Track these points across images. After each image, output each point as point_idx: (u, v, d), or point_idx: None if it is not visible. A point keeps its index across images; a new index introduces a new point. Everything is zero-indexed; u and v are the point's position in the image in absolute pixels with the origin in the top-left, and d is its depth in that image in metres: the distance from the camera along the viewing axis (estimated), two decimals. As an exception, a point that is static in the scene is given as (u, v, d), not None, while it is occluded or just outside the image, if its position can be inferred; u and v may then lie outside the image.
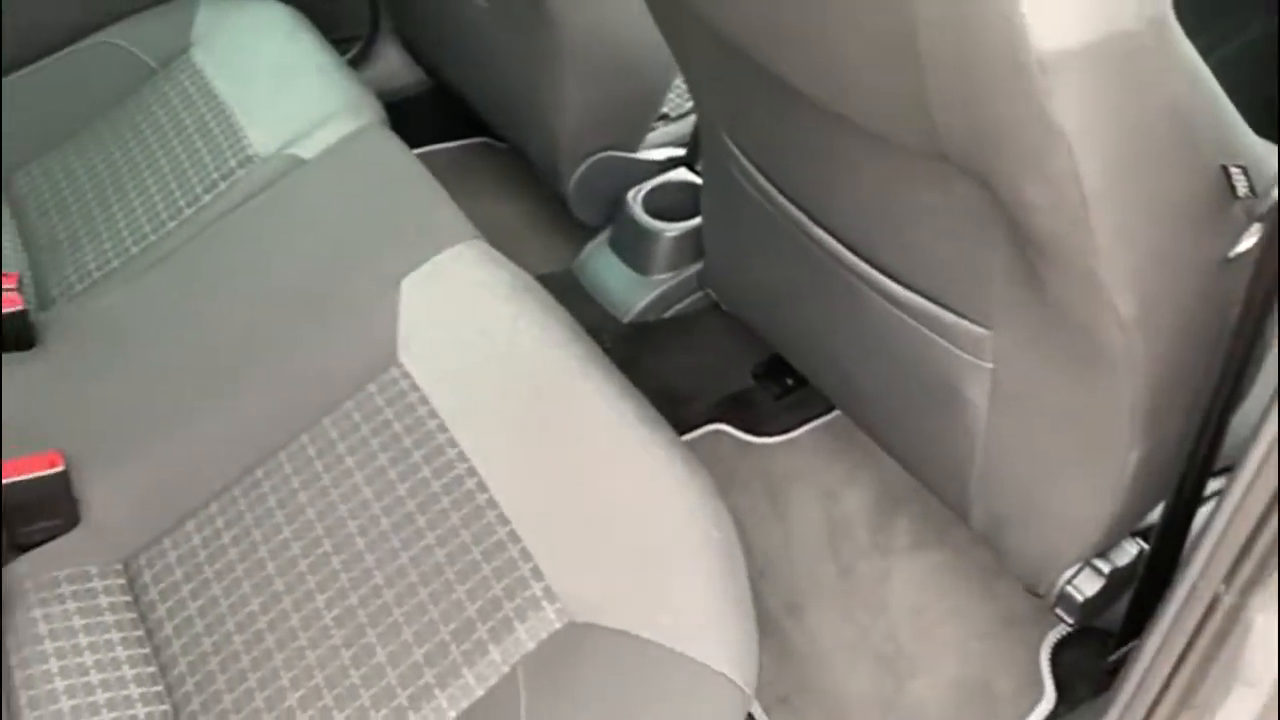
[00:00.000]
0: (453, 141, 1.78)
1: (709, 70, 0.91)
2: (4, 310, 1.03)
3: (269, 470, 0.90)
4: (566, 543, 0.78)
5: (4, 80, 1.42)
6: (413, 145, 1.24)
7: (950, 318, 0.82)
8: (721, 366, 1.32)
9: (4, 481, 0.86)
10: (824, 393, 1.13)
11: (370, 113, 1.21)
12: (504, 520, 0.80)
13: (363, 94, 1.24)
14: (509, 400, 0.88)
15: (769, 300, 1.10)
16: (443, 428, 0.87)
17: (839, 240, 0.86)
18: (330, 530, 0.84)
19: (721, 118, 0.96)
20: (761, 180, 0.93)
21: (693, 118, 1.43)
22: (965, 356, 0.83)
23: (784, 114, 0.79)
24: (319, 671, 0.76)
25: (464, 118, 1.67)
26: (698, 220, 1.28)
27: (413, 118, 1.38)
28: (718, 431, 1.30)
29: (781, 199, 0.91)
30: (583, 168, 1.32)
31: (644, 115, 1.33)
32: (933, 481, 1.01)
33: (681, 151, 1.39)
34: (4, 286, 1.05)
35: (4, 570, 0.84)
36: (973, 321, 0.80)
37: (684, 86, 1.52)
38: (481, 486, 0.83)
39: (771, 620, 1.07)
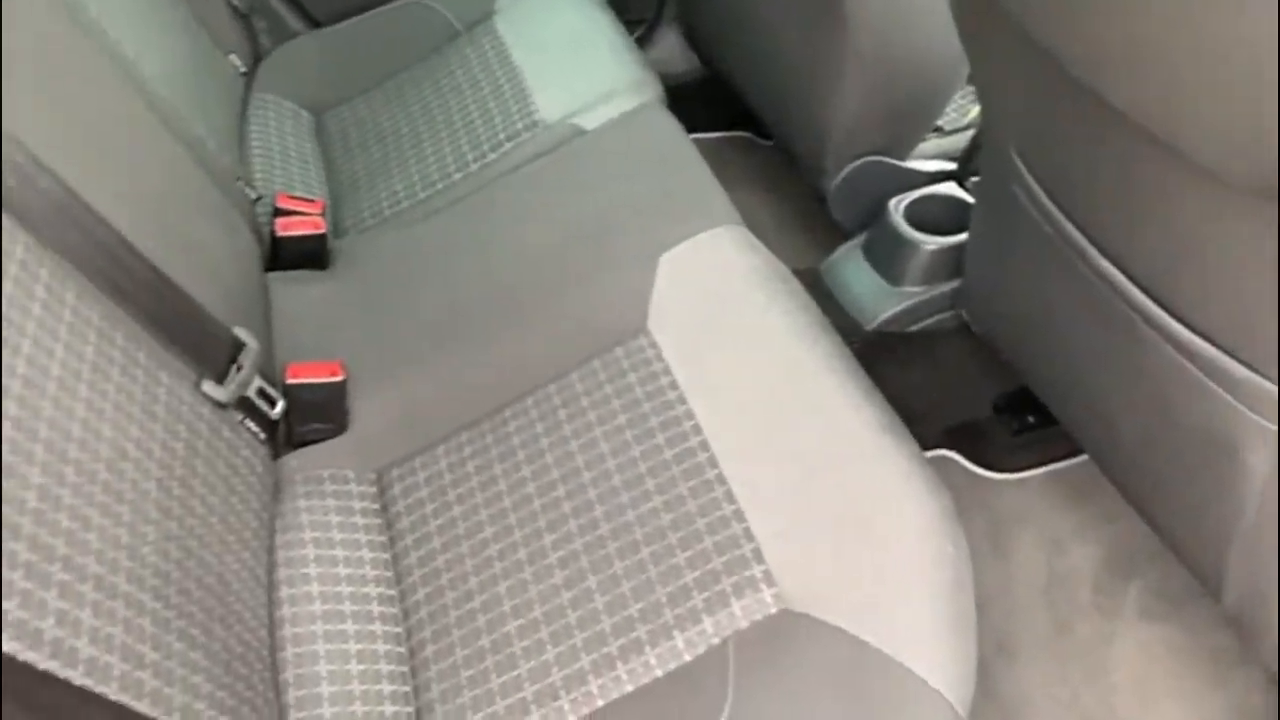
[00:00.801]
0: (715, 132, 1.82)
1: (1008, 81, 0.88)
2: (310, 232, 1.14)
3: (516, 412, 0.95)
4: (792, 531, 0.78)
5: (329, 29, 1.58)
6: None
7: (1240, 371, 0.75)
8: (961, 391, 1.27)
9: (290, 382, 0.96)
10: (1072, 435, 1.07)
11: (652, 92, 1.25)
12: (731, 498, 0.81)
13: (647, 74, 1.29)
14: (750, 384, 0.89)
15: (1028, 329, 1.05)
16: (682, 399, 0.89)
17: (1126, 274, 0.81)
18: (565, 477, 0.88)
19: (1012, 132, 0.92)
20: (1047, 203, 0.89)
21: (968, 133, 1.39)
22: (1251, 415, 0.76)
23: (1091, 135, 0.75)
24: (539, 606, 0.80)
25: (730, 110, 1.70)
26: (960, 237, 1.24)
27: (681, 105, 1.41)
28: (945, 458, 1.26)
29: (1067, 225, 0.87)
30: (848, 169, 1.31)
31: (921, 123, 1.31)
32: (1183, 545, 0.93)
33: (952, 166, 1.35)
34: (313, 212, 1.17)
35: (279, 461, 0.94)
36: (1266, 377, 0.74)
37: (963, 100, 1.48)
38: (713, 462, 0.84)
39: (980, 658, 1.03)
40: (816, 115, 1.30)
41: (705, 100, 1.74)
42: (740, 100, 1.60)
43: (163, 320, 0.81)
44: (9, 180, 0.70)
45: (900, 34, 1.14)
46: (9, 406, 0.61)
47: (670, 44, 1.79)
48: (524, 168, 1.20)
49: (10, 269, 0.67)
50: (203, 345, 0.85)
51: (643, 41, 1.78)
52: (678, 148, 1.14)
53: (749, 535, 0.78)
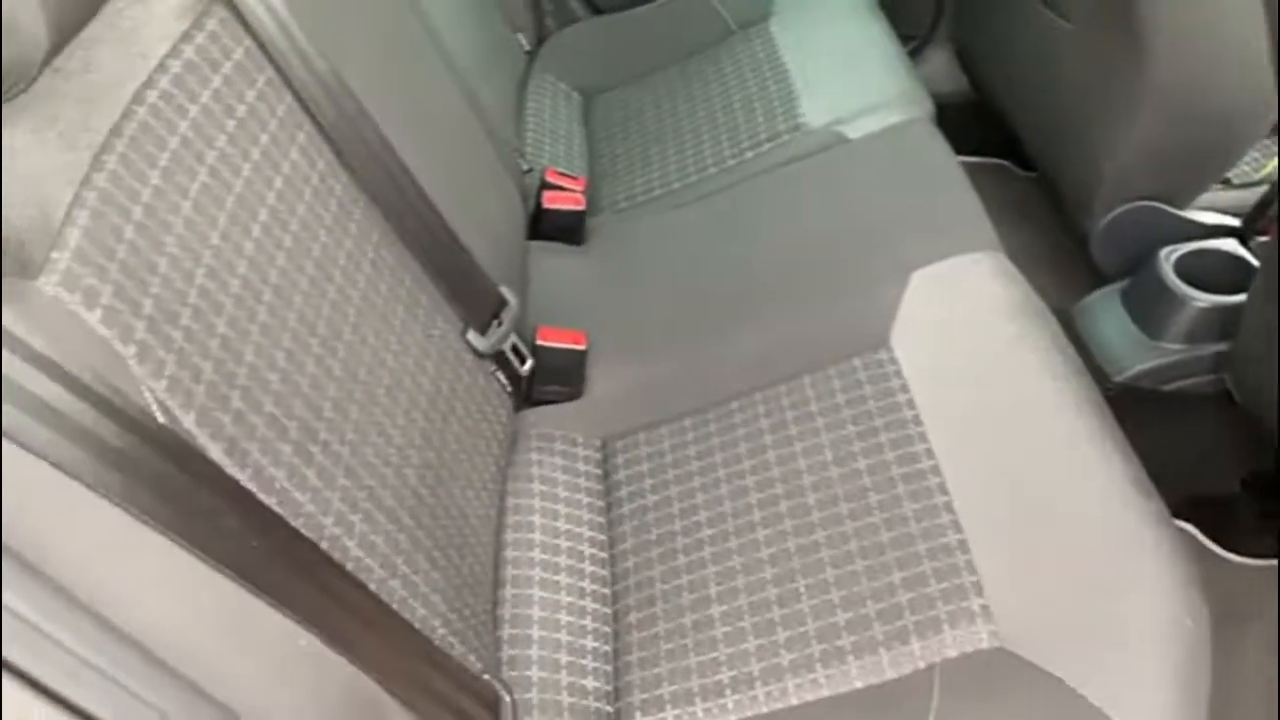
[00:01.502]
0: (975, 157, 1.77)
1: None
2: (572, 208, 1.20)
3: (743, 405, 0.97)
4: (1018, 571, 0.76)
5: (609, 17, 1.65)
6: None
7: None
8: (1209, 460, 1.19)
9: (540, 344, 1.02)
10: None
11: (922, 109, 1.24)
12: (957, 527, 0.80)
13: (918, 89, 1.27)
14: (992, 417, 0.87)
15: (1305, 407, 0.97)
16: (917, 420, 0.88)
17: None
18: (785, 476, 0.89)
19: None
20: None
21: (1260, 189, 1.29)
22: None
23: None
24: (744, 595, 0.82)
25: (993, 137, 1.65)
26: (1236, 298, 1.15)
27: (943, 125, 1.39)
28: (1180, 528, 1.18)
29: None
30: (1118, 211, 1.25)
31: (1210, 172, 1.22)
32: None
33: (1235, 221, 1.26)
34: (576, 189, 1.23)
35: (518, 415, 1.00)
36: None
37: (1259, 153, 1.37)
38: (942, 489, 0.83)
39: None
40: (1093, 150, 1.24)
41: (968, 123, 1.69)
42: (1004, 127, 1.55)
43: (444, 270, 0.88)
44: (334, 117, 0.77)
45: (1206, 73, 1.07)
46: (319, 326, 0.69)
47: (940, 62, 1.75)
48: (784, 168, 1.22)
49: (331, 205, 0.75)
50: (472, 297, 0.91)
51: (913, 57, 1.75)
52: (944, 167, 1.12)
53: (971, 567, 0.77)
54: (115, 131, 0.56)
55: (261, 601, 0.46)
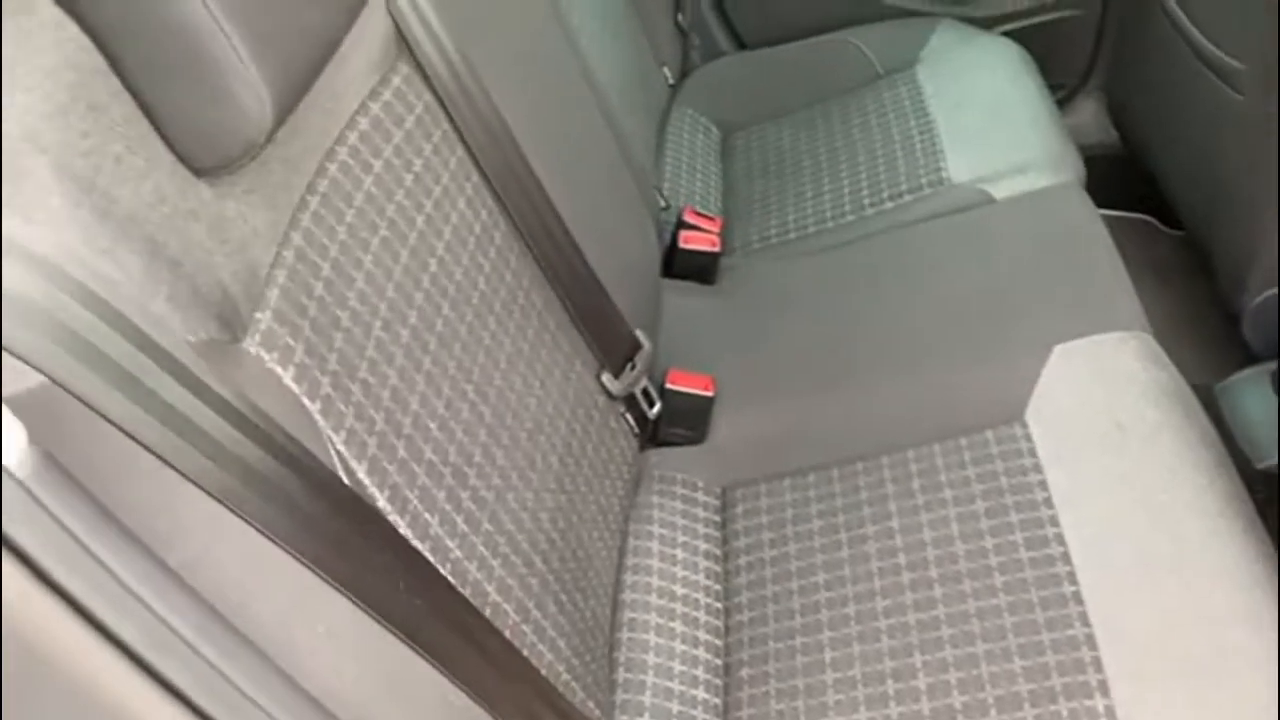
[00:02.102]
0: (1118, 210, 1.72)
1: None
2: (707, 249, 1.22)
3: (869, 468, 0.97)
4: (1147, 674, 0.74)
5: (755, 53, 1.67)
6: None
7: None
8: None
9: (669, 387, 1.04)
10: None
11: (1071, 172, 1.21)
12: (1085, 620, 0.78)
13: (1069, 151, 1.24)
14: (1129, 508, 0.85)
15: None
16: (1049, 503, 0.87)
17: None
18: (909, 547, 0.89)
19: None
20: None
21: None
22: None
23: None
24: (859, 665, 0.82)
25: (1138, 190, 1.59)
26: (1403, 394, 1.09)
27: (1088, 176, 1.35)
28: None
29: None
30: (1275, 292, 1.19)
31: (1383, 260, 1.16)
32: None
33: (1404, 312, 1.19)
34: (712, 230, 1.24)
35: (641, 454, 1.02)
36: None
37: None
38: (1072, 578, 0.81)
39: None
40: (1254, 220, 1.19)
41: (1114, 175, 1.64)
42: (1153, 182, 1.50)
43: (585, 313, 0.90)
44: (499, 166, 0.80)
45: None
46: (475, 372, 0.72)
47: (1089, 113, 1.71)
48: (922, 224, 1.21)
49: (490, 252, 0.78)
50: (610, 341, 0.94)
51: (1061, 105, 1.71)
52: (1091, 237, 1.09)
53: (1098, 664, 0.75)
54: (310, 189, 0.60)
55: (422, 660, 0.49)
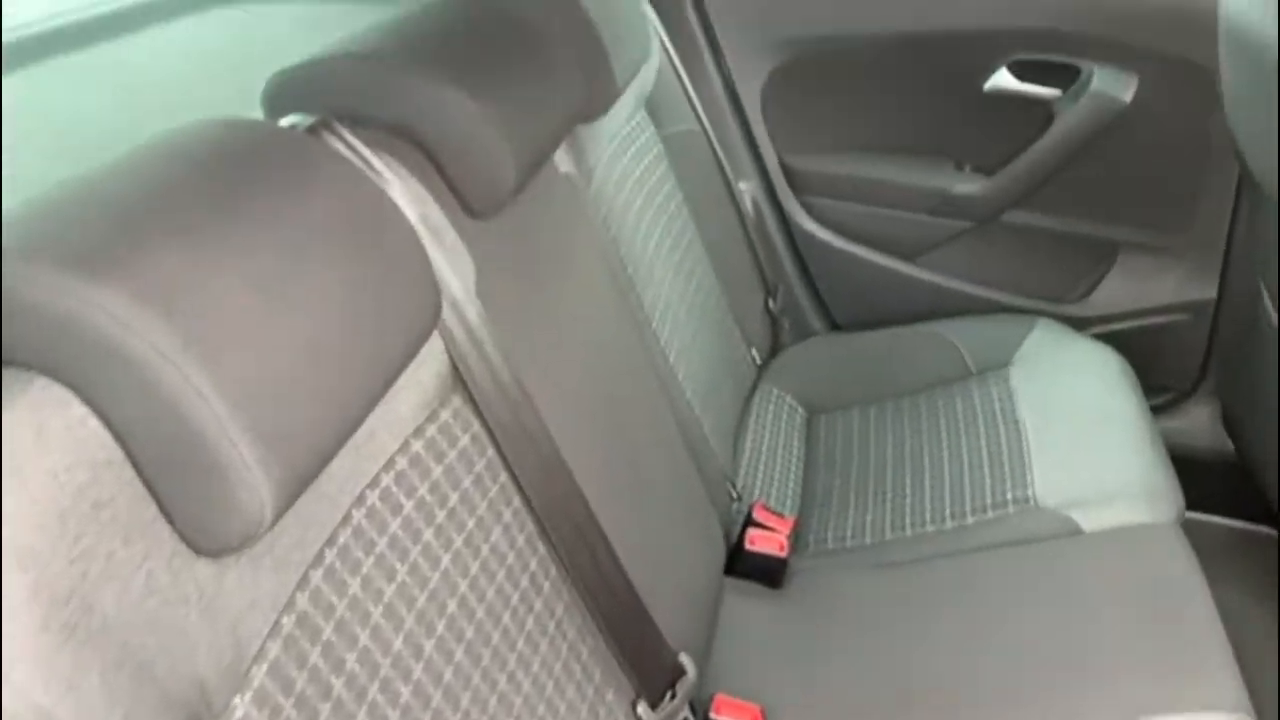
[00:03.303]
0: (1234, 520, 1.60)
1: None
2: (775, 553, 1.18)
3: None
4: None
5: (846, 335, 1.68)
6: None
7: None
8: None
9: (714, 717, 0.97)
10: None
11: (1170, 509, 1.13)
12: None
13: (1169, 486, 1.17)
14: None
15: None
16: None
17: None
18: None
19: None
20: None
21: None
22: None
23: None
24: None
25: (1258, 500, 1.49)
26: None
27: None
28: None
29: None
30: None
31: None
32: None
33: None
34: (782, 532, 1.21)
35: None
36: None
37: None
38: None
39: None
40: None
41: (1227, 480, 1.54)
42: (1269, 494, 1.39)
43: (624, 639, 0.87)
44: (544, 494, 0.80)
45: None
46: (492, 701, 0.69)
47: (1200, 417, 1.63)
48: (1004, 549, 1.14)
49: (521, 581, 0.77)
50: (649, 668, 0.89)
51: (1165, 408, 1.64)
52: (1189, 591, 1.00)
53: None
54: (331, 541, 0.60)
55: None
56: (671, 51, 1.50)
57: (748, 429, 1.43)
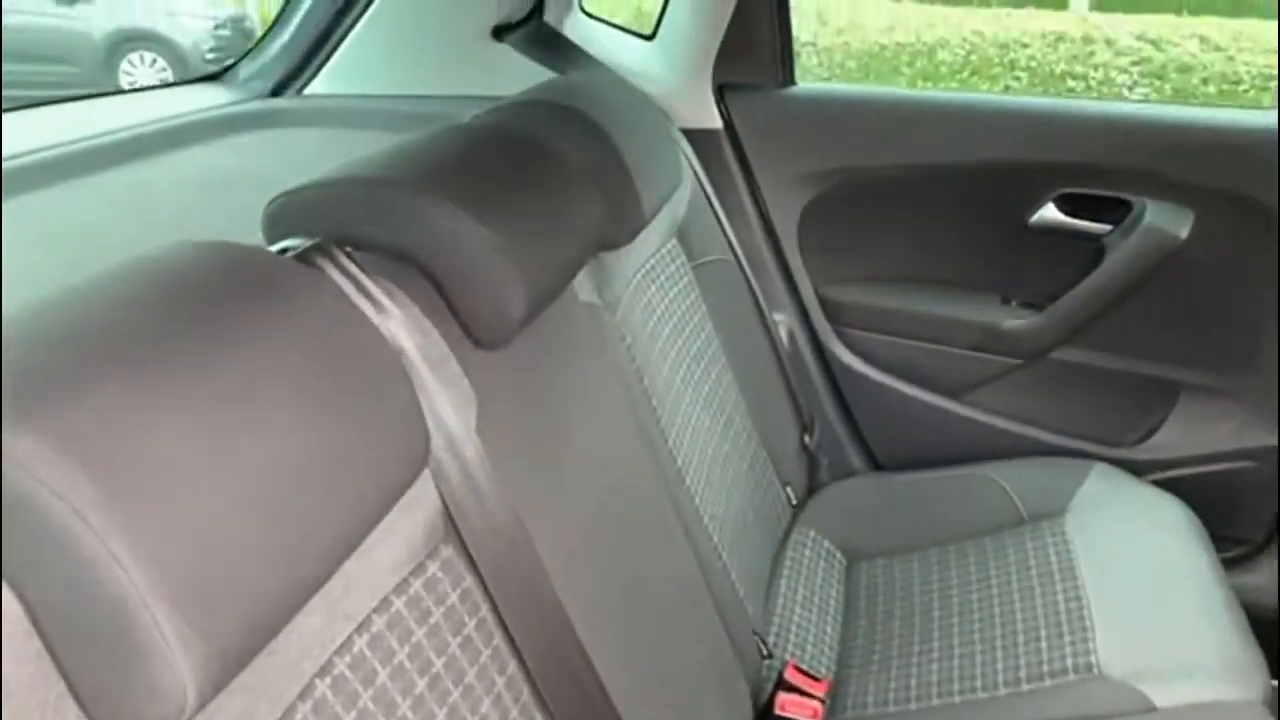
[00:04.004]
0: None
1: None
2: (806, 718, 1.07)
3: None
4: None
5: (888, 476, 1.58)
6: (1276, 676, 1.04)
7: None
8: None
9: None
10: None
11: (1256, 684, 1.01)
12: None
13: (1253, 660, 1.04)
14: None
15: None
16: None
17: None
18: None
19: None
20: None
21: None
22: None
23: None
24: None
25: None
26: None
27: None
28: None
29: None
30: None
31: None
32: None
33: None
34: (817, 695, 1.09)
35: None
36: None
37: None
38: None
39: None
40: None
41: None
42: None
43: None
44: (532, 627, 0.71)
45: None
46: None
47: (1274, 572, 1.50)
48: (1064, 729, 1.02)
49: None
50: None
51: (1240, 560, 1.51)
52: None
53: None
54: (286, 718, 0.52)
55: None
56: (704, 180, 1.47)
57: (781, 576, 1.33)
